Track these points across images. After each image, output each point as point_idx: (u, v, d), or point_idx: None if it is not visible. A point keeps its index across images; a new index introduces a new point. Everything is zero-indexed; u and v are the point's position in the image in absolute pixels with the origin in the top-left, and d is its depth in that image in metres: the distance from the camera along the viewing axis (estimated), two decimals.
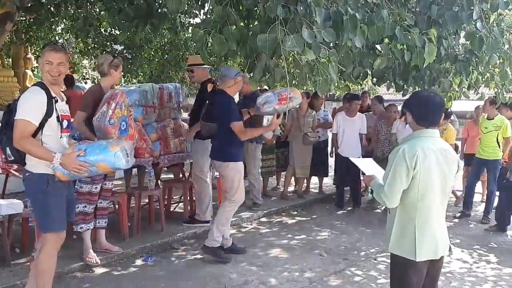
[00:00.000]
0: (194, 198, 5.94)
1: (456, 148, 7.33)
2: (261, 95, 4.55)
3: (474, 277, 4.56)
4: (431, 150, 2.55)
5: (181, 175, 6.76)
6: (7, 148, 3.10)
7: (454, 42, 4.32)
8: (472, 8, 3.64)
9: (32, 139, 3.01)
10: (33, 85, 3.25)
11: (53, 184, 3.10)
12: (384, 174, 2.66)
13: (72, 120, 3.50)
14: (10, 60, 12.01)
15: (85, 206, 4.29)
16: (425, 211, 2.58)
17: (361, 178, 6.86)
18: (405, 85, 4.98)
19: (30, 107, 3.01)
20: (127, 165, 3.27)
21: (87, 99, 4.23)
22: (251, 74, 3.62)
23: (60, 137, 3.20)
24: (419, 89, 5.01)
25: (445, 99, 5.15)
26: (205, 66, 5.47)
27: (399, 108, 7.33)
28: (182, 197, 6.01)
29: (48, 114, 3.05)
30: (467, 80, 4.76)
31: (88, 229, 4.37)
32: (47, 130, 3.08)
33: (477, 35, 3.76)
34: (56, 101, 3.14)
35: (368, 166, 3.06)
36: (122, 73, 11.06)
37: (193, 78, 5.66)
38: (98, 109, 4.01)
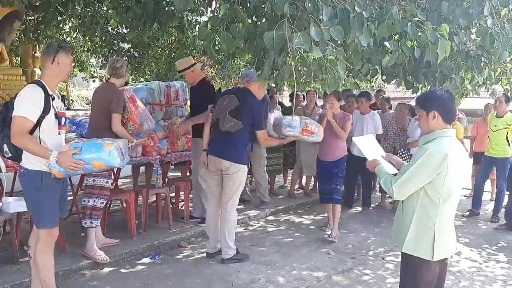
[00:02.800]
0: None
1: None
2: (286, 116, 4.64)
3: (484, 277, 4.52)
4: (456, 152, 2.54)
5: (188, 173, 6.75)
6: (5, 145, 3.13)
7: (465, 38, 4.26)
8: (483, 4, 3.60)
9: (30, 136, 3.04)
10: (30, 83, 3.27)
11: (47, 181, 3.14)
12: (405, 167, 2.63)
13: (69, 117, 3.56)
14: (19, 58, 12.09)
15: (95, 201, 4.36)
16: (445, 211, 2.57)
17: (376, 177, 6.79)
18: (414, 83, 4.93)
19: (27, 104, 3.05)
20: (121, 164, 3.32)
21: (121, 101, 4.31)
22: (259, 72, 3.60)
23: (58, 134, 3.24)
24: (429, 86, 4.97)
25: (456, 96, 5.10)
26: (193, 66, 5.27)
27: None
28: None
29: (45, 111, 3.08)
30: (479, 76, 4.71)
31: (97, 225, 4.42)
32: (44, 127, 3.11)
33: (489, 32, 3.72)
34: (53, 99, 3.17)
35: (369, 146, 2.99)
36: (129, 72, 11.19)
37: (188, 82, 5.53)
38: (135, 112, 4.46)
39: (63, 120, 3.26)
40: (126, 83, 4.94)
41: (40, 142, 3.10)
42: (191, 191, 5.83)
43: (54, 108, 3.16)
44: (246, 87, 4.54)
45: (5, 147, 3.13)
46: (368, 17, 3.25)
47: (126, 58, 10.08)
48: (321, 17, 3.08)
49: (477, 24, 4.21)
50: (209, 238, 4.72)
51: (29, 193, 3.20)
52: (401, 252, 2.69)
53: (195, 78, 5.32)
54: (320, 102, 7.87)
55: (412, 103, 7.57)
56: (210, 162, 4.46)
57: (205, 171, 4.56)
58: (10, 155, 3.16)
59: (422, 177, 2.50)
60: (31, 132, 3.06)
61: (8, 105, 3.20)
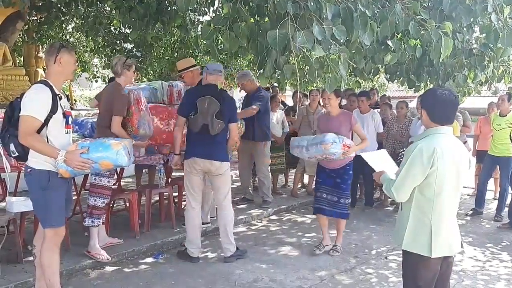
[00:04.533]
0: None
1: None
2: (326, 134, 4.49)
3: (487, 276, 4.51)
4: (447, 147, 2.56)
5: None
6: (11, 145, 3.13)
7: (468, 36, 4.25)
8: (486, 1, 3.59)
9: (37, 135, 3.05)
10: (35, 82, 3.27)
11: (54, 181, 3.14)
12: (399, 168, 2.68)
13: (73, 115, 3.57)
14: (22, 59, 12.13)
15: (96, 200, 4.37)
16: (440, 208, 2.59)
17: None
18: (417, 81, 4.92)
19: (35, 103, 3.05)
20: (128, 163, 3.34)
21: (123, 103, 4.28)
22: (261, 71, 3.60)
23: (66, 133, 3.26)
24: (433, 84, 4.95)
25: (459, 94, 5.09)
26: (193, 67, 5.31)
27: (411, 104, 7.29)
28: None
29: (53, 111, 3.09)
30: (482, 74, 4.69)
31: (98, 224, 4.43)
32: (52, 127, 3.12)
33: (493, 28, 3.70)
34: (60, 98, 3.19)
35: (379, 161, 3.04)
36: (127, 67, 11.17)
37: (186, 83, 5.50)
38: (136, 115, 4.37)
39: (70, 119, 3.28)
40: None
41: (47, 141, 3.11)
42: None
43: (61, 107, 3.17)
44: (212, 82, 4.53)
45: (12, 147, 3.13)
46: (371, 15, 3.25)
47: (129, 57, 10.10)
48: (324, 15, 3.08)
49: (480, 22, 4.20)
50: (194, 241, 4.60)
51: (36, 193, 3.20)
52: (402, 249, 2.71)
53: (193, 79, 5.29)
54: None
55: (413, 103, 7.56)
56: (197, 164, 4.44)
57: (189, 174, 4.53)
58: (17, 154, 3.16)
59: (415, 174, 2.53)
60: (39, 131, 3.06)
61: (13, 104, 3.21)
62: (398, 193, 2.60)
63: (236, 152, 7.42)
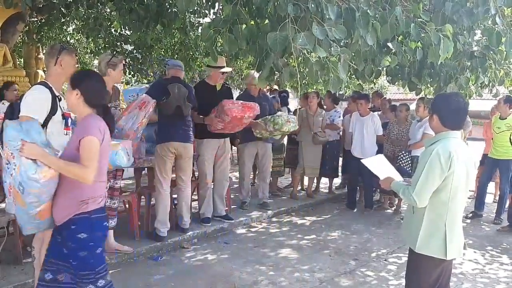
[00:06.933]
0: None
1: None
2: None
3: (487, 279, 4.51)
4: (460, 151, 2.62)
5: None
6: None
7: (470, 39, 4.25)
8: (488, 3, 3.58)
9: None
10: (35, 84, 3.28)
11: None
12: (415, 174, 2.71)
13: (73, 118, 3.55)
14: (22, 60, 12.13)
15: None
16: (454, 210, 2.65)
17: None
18: (418, 84, 4.91)
19: (34, 104, 3.05)
20: (127, 164, 3.35)
21: None
22: (260, 73, 3.59)
23: (65, 135, 3.25)
24: (433, 87, 4.95)
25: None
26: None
27: (411, 107, 7.29)
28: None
29: (52, 112, 3.10)
30: (483, 76, 4.69)
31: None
32: (51, 128, 3.12)
33: (495, 30, 3.71)
34: (60, 100, 3.19)
35: (379, 166, 3.06)
36: (132, 73, 11.15)
37: (222, 80, 5.72)
38: (126, 110, 4.16)
39: (69, 120, 3.28)
40: (127, 83, 4.94)
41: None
42: (194, 192, 5.83)
43: (61, 108, 3.17)
44: (173, 75, 5.04)
45: None
46: (372, 15, 3.25)
47: (130, 59, 10.09)
48: (326, 17, 3.07)
49: (482, 25, 4.20)
50: (165, 221, 5.00)
51: None
52: (412, 251, 2.74)
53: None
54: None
55: (412, 106, 7.55)
56: (173, 148, 4.87)
57: (164, 158, 4.90)
58: None
59: (435, 178, 2.57)
60: None
61: (14, 105, 3.22)
62: (420, 198, 2.61)
63: (236, 154, 7.40)
